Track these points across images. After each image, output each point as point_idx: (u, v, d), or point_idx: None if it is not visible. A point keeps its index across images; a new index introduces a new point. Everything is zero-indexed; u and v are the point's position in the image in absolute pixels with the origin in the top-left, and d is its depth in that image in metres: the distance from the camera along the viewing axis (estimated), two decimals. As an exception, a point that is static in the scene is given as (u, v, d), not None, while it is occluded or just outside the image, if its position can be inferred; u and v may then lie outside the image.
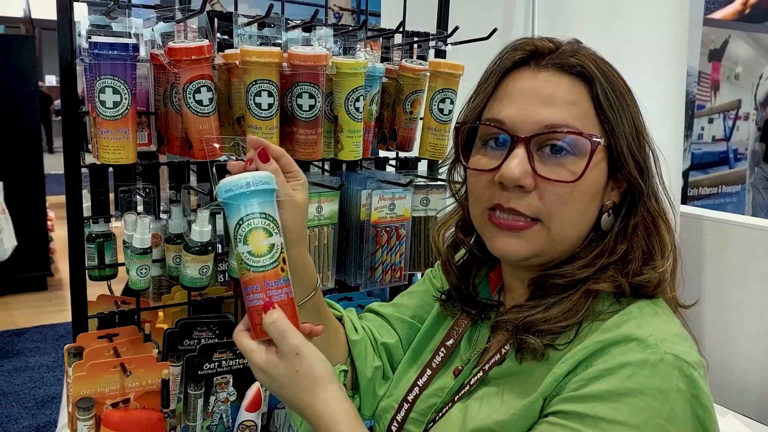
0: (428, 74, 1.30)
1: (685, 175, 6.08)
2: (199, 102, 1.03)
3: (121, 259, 1.24)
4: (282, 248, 0.72)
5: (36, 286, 4.93)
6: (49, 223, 4.98)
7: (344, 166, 1.43)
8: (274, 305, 0.69)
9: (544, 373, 0.69)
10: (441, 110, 1.33)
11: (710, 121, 5.27)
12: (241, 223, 0.70)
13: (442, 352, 0.87)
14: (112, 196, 1.23)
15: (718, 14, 4.88)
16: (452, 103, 1.31)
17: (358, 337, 0.94)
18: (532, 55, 0.74)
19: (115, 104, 0.99)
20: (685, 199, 5.56)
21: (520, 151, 0.70)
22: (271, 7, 1.04)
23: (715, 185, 5.31)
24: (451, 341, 0.87)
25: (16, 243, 3.60)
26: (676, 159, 2.11)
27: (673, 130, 2.09)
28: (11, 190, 3.70)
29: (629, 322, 0.68)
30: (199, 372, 1.17)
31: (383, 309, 1.00)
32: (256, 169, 0.75)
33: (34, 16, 8.01)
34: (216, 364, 1.19)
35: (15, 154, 4.51)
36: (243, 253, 0.70)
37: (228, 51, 1.10)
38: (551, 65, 0.73)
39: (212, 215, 1.23)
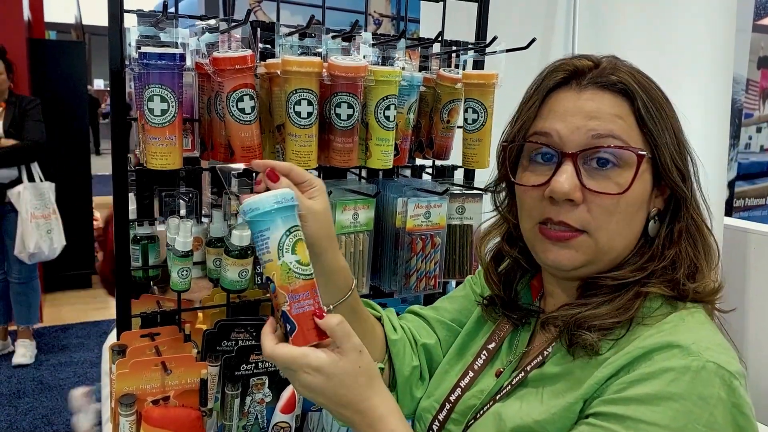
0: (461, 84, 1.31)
1: (731, 185, 5.93)
2: (242, 110, 1.06)
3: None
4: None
5: (81, 283, 5.08)
6: (94, 223, 5.13)
7: (381, 174, 1.45)
8: (323, 310, 0.73)
9: (586, 376, 0.71)
10: (465, 120, 1.34)
11: (758, 130, 5.13)
12: (287, 234, 0.74)
13: (485, 354, 0.89)
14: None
15: (767, 20, 4.75)
16: (475, 112, 1.32)
17: (397, 337, 0.96)
18: (572, 75, 0.77)
19: (163, 112, 1.03)
20: (730, 210, 5.42)
21: (568, 167, 0.73)
22: (312, 18, 1.06)
23: (762, 196, 5.16)
24: (493, 344, 0.89)
25: (64, 243, 3.71)
26: (720, 169, 2.06)
27: (718, 140, 2.05)
28: (60, 191, 3.82)
29: (673, 329, 0.69)
30: (236, 373, 1.20)
31: (424, 311, 1.03)
32: (267, 189, 0.78)
33: (84, 22, 8.27)
34: (253, 365, 1.22)
35: (65, 156, 4.67)
36: (291, 262, 0.73)
37: (270, 60, 1.13)
38: (592, 84, 0.75)
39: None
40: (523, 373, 0.79)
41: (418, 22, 2.25)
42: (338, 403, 0.72)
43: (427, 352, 0.98)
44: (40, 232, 3.50)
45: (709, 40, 2.02)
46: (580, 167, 0.73)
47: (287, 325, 0.73)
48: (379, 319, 0.99)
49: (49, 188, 3.59)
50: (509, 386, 0.80)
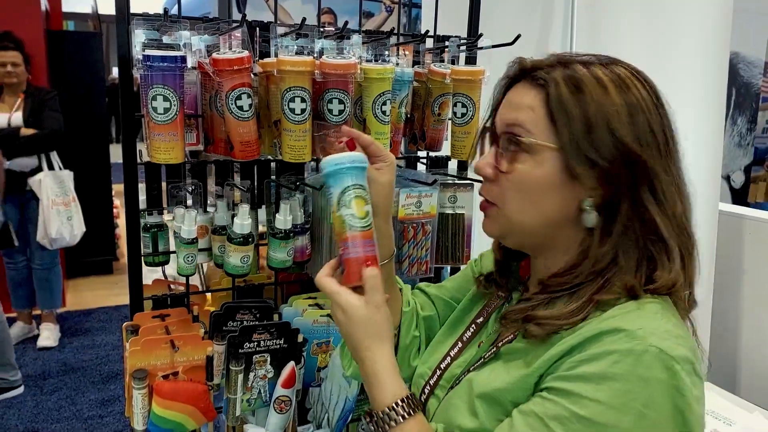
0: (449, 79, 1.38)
1: (747, 169, 5.90)
2: (240, 108, 1.15)
3: (172, 247, 1.37)
4: (371, 216, 0.90)
5: (103, 269, 5.21)
6: (114, 210, 5.25)
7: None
8: (372, 260, 0.85)
9: (541, 353, 0.77)
10: (454, 113, 1.41)
11: (776, 114, 5.09)
12: (346, 190, 0.87)
13: (473, 327, 0.97)
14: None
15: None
16: (464, 106, 1.39)
17: (408, 309, 1.06)
18: (521, 72, 0.84)
19: (166, 110, 1.12)
20: (745, 196, 5.39)
21: (492, 149, 0.84)
22: (303, 20, 1.14)
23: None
24: (481, 319, 0.97)
25: (84, 229, 3.82)
26: (714, 157, 2.10)
27: (713, 127, 2.09)
28: (80, 179, 3.93)
29: (625, 315, 0.74)
30: (240, 351, 1.29)
31: (428, 288, 1.13)
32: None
33: (101, 12, 8.39)
34: (255, 344, 1.31)
35: (84, 146, 4.78)
36: (347, 215, 0.87)
37: (266, 60, 1.21)
38: (527, 78, 0.83)
39: (252, 210, 1.35)
40: (495, 348, 0.86)
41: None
42: (350, 343, 0.85)
43: (428, 326, 1.08)
44: (60, 218, 3.61)
45: (705, 25, 2.05)
46: (501, 150, 0.82)
47: (341, 265, 0.86)
48: (400, 290, 1.10)
49: (68, 176, 3.69)
50: (484, 358, 0.88)
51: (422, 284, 1.15)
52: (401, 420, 0.80)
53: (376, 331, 0.83)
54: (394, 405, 0.81)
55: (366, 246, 0.86)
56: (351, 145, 0.95)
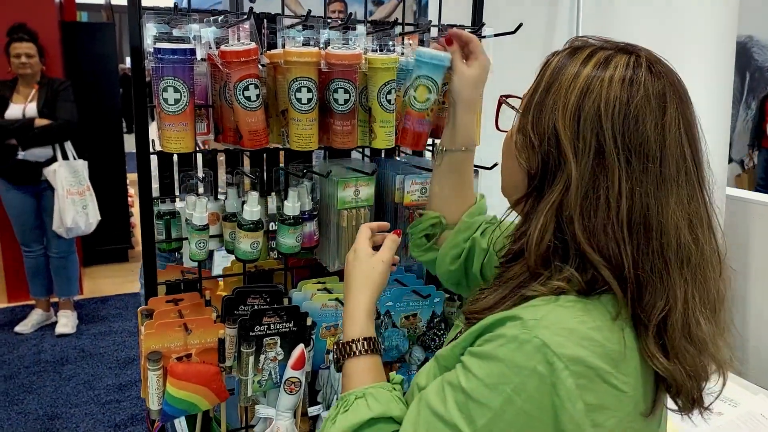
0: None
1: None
2: (248, 98, 1.18)
3: (185, 234, 1.41)
4: (433, 103, 1.22)
5: (119, 257, 5.30)
6: (129, 199, 5.33)
7: (383, 153, 1.55)
8: (399, 233, 1.09)
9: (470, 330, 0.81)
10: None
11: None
12: (417, 78, 1.22)
13: None
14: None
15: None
16: None
17: (468, 219, 1.19)
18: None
19: (176, 101, 1.15)
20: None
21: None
22: (309, 12, 1.17)
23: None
24: None
25: (99, 218, 3.89)
26: (721, 144, 2.11)
27: (719, 113, 2.10)
28: (94, 168, 3.99)
29: (533, 305, 0.75)
30: (251, 333, 1.33)
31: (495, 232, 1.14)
32: (445, 49, 1.20)
33: (114, 2, 8.43)
34: (265, 327, 1.35)
35: (98, 135, 4.84)
36: (411, 96, 1.24)
37: (273, 51, 1.24)
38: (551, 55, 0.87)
39: (262, 197, 1.39)
40: (464, 326, 0.89)
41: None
42: (346, 279, 1.02)
43: (473, 246, 1.17)
44: (76, 207, 3.68)
45: (712, 10, 2.05)
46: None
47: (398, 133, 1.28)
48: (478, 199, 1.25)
49: (82, 166, 3.76)
50: (459, 333, 0.92)
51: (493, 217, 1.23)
52: (358, 354, 0.92)
53: (367, 278, 0.99)
54: (356, 340, 0.93)
55: (417, 122, 1.26)
56: (448, 42, 1.19)
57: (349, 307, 0.98)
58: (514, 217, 0.88)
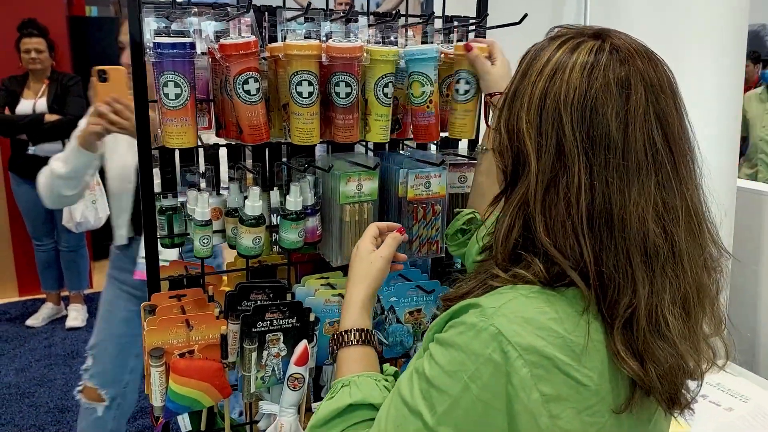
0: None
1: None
2: (248, 92, 1.17)
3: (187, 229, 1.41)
4: (430, 94, 1.28)
5: (128, 251, 5.32)
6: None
7: (386, 147, 1.54)
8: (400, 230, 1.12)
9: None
10: (457, 90, 1.39)
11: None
12: (410, 76, 1.30)
13: None
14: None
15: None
16: (467, 83, 1.36)
17: (494, 218, 1.16)
18: None
19: (177, 96, 1.14)
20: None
21: None
22: (309, 4, 1.15)
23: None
24: None
25: (109, 212, 3.90)
26: (731, 136, 2.07)
27: (729, 104, 2.06)
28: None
29: (494, 295, 0.74)
30: (253, 329, 1.33)
31: None
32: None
33: (123, -4, 8.42)
34: (268, 323, 1.34)
35: (107, 130, 4.85)
36: (408, 94, 1.32)
37: (273, 44, 1.23)
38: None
39: (264, 192, 1.38)
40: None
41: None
42: (349, 272, 1.06)
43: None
44: (85, 202, 3.69)
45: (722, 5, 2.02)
46: None
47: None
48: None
49: (92, 161, 3.77)
50: None
51: None
52: (351, 344, 0.95)
53: (367, 273, 1.04)
54: (351, 330, 0.97)
55: (420, 116, 1.32)
56: (468, 48, 1.30)
57: (347, 300, 1.03)
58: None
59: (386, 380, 0.90)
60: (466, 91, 1.37)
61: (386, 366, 0.96)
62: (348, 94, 1.22)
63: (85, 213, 3.69)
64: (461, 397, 0.69)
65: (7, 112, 3.62)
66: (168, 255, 1.53)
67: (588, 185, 0.71)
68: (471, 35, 1.52)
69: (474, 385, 0.69)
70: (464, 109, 1.38)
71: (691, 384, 0.76)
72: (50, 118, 3.62)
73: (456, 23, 1.48)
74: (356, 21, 1.24)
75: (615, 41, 0.74)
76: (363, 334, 0.96)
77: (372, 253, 1.06)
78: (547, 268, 0.73)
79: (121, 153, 2.03)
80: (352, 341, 0.96)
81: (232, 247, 1.41)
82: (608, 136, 0.70)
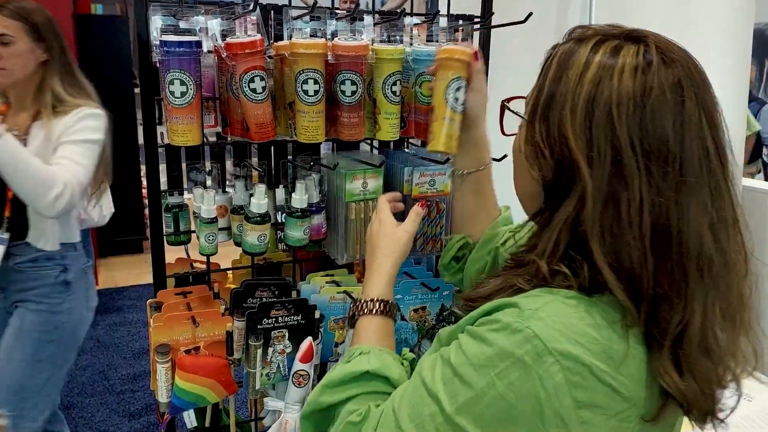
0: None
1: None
2: (254, 90, 1.17)
3: (193, 227, 1.42)
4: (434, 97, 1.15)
5: (134, 248, 5.33)
6: (143, 191, 5.35)
7: (391, 145, 1.54)
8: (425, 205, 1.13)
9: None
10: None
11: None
12: (419, 76, 1.27)
13: None
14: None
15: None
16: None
17: (489, 231, 1.16)
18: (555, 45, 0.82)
19: (183, 94, 1.15)
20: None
21: None
22: (315, 3, 1.16)
23: None
24: None
25: (113, 210, 3.91)
26: (736, 136, 2.07)
27: (735, 104, 2.06)
28: (109, 161, 4.01)
29: (532, 297, 0.72)
30: (259, 326, 1.33)
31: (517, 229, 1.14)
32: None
33: (129, -6, 8.44)
34: (273, 320, 1.35)
35: (112, 128, 4.86)
36: (417, 93, 1.30)
37: (279, 43, 1.24)
38: (551, 48, 0.81)
39: (270, 190, 1.39)
40: (462, 313, 0.88)
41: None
42: (370, 247, 1.05)
43: (496, 256, 1.14)
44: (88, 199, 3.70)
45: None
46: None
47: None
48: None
49: (97, 159, 3.78)
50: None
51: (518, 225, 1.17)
52: (373, 312, 0.94)
53: (395, 247, 1.03)
54: (374, 299, 0.96)
55: (425, 115, 1.25)
56: (475, 56, 1.14)
57: (372, 271, 1.01)
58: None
59: (402, 363, 0.89)
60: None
61: (405, 350, 0.94)
62: (354, 93, 1.22)
63: (88, 210, 3.70)
64: (485, 392, 0.68)
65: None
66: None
67: (649, 201, 0.67)
68: (476, 34, 1.52)
69: (500, 383, 0.67)
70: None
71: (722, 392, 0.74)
72: (56, 115, 3.64)
73: (461, 22, 1.48)
74: (362, 19, 1.25)
75: (657, 42, 0.71)
76: (387, 305, 0.96)
77: (398, 228, 1.06)
78: (590, 278, 0.70)
79: None
80: (375, 310, 0.95)
81: (237, 244, 1.42)
82: (666, 146, 0.67)
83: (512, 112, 0.83)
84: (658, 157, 0.67)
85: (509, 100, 0.86)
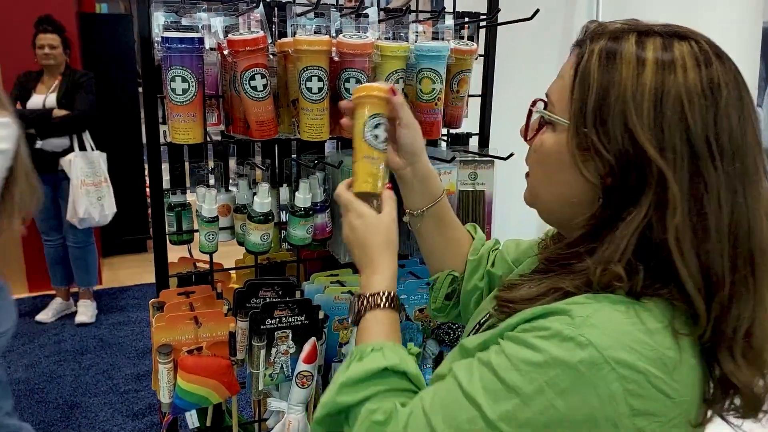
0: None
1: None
2: (254, 88, 1.16)
3: (196, 226, 1.40)
4: (440, 92, 1.18)
5: (137, 247, 5.33)
6: (147, 190, 5.35)
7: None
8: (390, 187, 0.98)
9: (508, 321, 0.76)
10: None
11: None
12: (420, 72, 1.23)
13: None
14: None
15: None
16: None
17: (474, 258, 1.09)
18: (584, 37, 0.77)
19: (184, 91, 1.13)
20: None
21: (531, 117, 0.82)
22: (319, 0, 1.14)
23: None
24: None
25: (115, 210, 3.90)
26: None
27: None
28: (113, 159, 4.00)
29: (579, 304, 0.70)
30: (262, 327, 1.32)
31: (507, 245, 1.10)
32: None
33: (133, -7, 8.44)
34: (277, 320, 1.33)
35: (116, 126, 4.86)
36: (417, 90, 1.26)
37: (283, 40, 1.22)
38: (578, 45, 0.76)
39: (273, 189, 1.37)
40: (495, 312, 0.84)
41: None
42: (361, 245, 0.94)
43: (491, 281, 1.09)
44: (90, 198, 3.69)
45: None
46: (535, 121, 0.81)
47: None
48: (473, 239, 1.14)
49: (99, 157, 3.76)
50: (488, 317, 0.89)
51: (508, 241, 1.13)
52: (381, 306, 0.89)
53: (388, 240, 0.94)
54: (379, 293, 0.90)
55: (426, 113, 1.26)
56: (393, 91, 0.99)
57: (374, 266, 0.93)
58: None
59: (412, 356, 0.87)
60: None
61: (410, 345, 0.92)
62: (358, 90, 1.21)
63: (89, 209, 3.69)
64: (533, 399, 0.66)
65: (18, 106, 3.63)
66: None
67: (727, 199, 0.66)
68: (482, 32, 1.50)
69: (550, 390, 0.65)
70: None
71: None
72: (58, 113, 3.63)
73: (467, 19, 1.47)
74: (366, 17, 1.23)
75: (700, 37, 0.69)
76: (393, 299, 0.91)
77: (380, 217, 0.95)
78: (644, 282, 0.69)
79: None
80: (383, 304, 0.90)
81: (240, 243, 1.40)
82: (732, 141, 0.66)
83: (548, 115, 0.76)
84: (728, 152, 0.66)
85: (534, 103, 0.81)
